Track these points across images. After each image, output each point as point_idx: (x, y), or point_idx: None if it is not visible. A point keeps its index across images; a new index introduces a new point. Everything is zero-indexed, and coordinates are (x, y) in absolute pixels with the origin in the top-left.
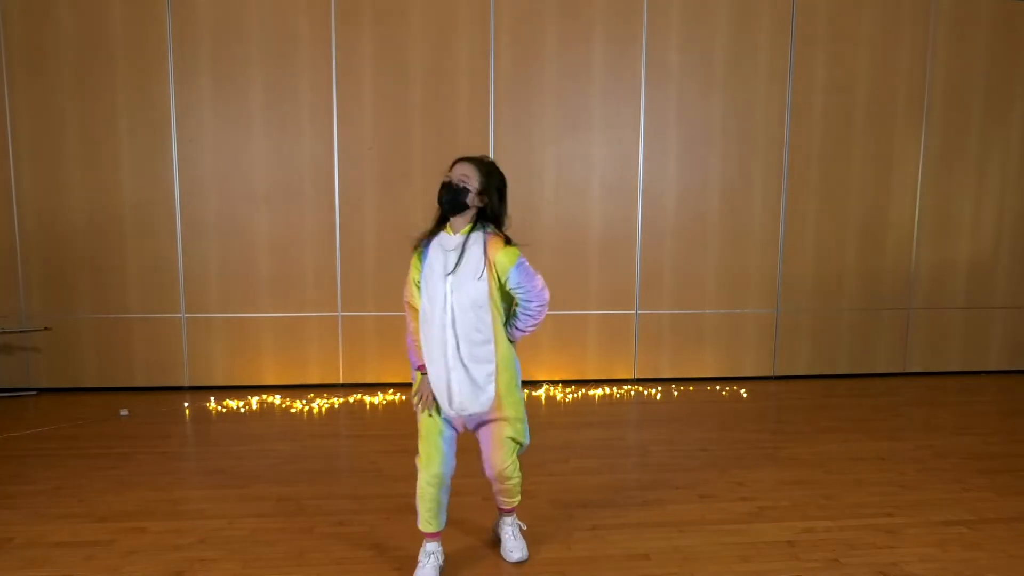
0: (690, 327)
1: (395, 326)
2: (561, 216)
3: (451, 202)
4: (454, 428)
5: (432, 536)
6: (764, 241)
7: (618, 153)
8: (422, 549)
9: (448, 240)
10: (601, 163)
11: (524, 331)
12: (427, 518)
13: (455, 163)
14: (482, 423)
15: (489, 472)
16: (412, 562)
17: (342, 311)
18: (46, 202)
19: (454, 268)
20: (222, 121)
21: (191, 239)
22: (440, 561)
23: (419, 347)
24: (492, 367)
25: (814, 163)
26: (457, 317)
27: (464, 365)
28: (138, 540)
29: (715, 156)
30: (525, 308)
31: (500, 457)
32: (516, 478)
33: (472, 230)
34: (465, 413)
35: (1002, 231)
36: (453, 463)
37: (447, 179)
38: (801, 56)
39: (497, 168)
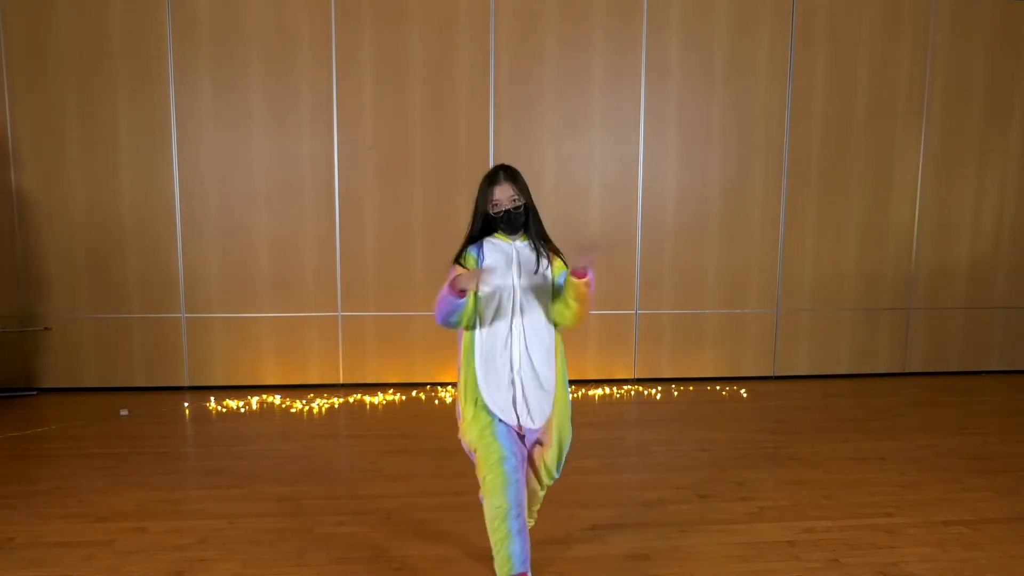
0: (690, 327)
1: (395, 326)
2: (561, 216)
3: (520, 225)
4: (516, 453)
5: None
6: (764, 241)
7: (618, 153)
8: None
9: (508, 246)
10: (601, 163)
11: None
12: (504, 557)
13: (492, 187)
14: (533, 444)
15: (536, 485)
16: (412, 562)
17: (342, 311)
18: (46, 202)
19: (536, 269)
20: (222, 121)
21: (191, 239)
22: None
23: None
24: (553, 371)
25: (814, 163)
26: (526, 318)
27: (533, 371)
28: (138, 540)
29: (715, 156)
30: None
31: (552, 469)
32: (541, 498)
33: (528, 236)
34: (533, 426)
35: (1002, 231)
36: (523, 491)
37: (501, 209)
38: (801, 56)
39: (517, 170)
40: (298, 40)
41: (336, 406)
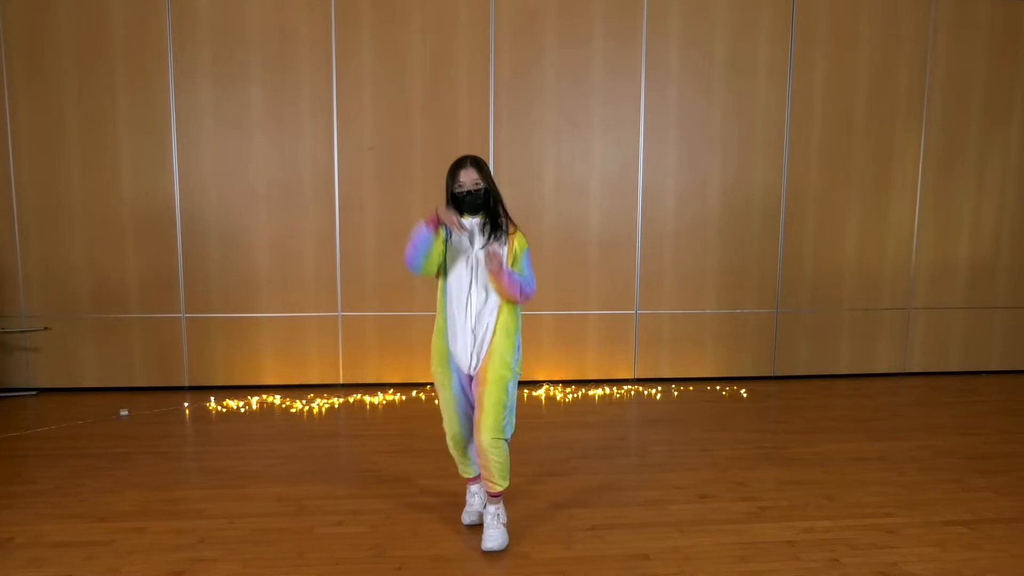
0: (690, 327)
1: (395, 326)
2: (561, 216)
3: (479, 206)
4: (468, 398)
5: (472, 480)
6: (764, 241)
7: (618, 153)
8: (467, 490)
9: (469, 222)
10: (601, 163)
11: (512, 288)
12: (461, 469)
13: (459, 171)
14: (478, 389)
15: (476, 441)
16: (412, 562)
17: (342, 311)
18: (46, 202)
19: (486, 243)
20: (222, 121)
21: (191, 239)
22: (484, 497)
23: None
24: (493, 325)
25: (814, 163)
26: (480, 281)
27: (480, 325)
28: (138, 540)
29: (715, 156)
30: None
31: (486, 425)
32: (499, 460)
33: (487, 215)
34: (472, 372)
35: (1002, 231)
36: (470, 427)
37: (464, 189)
38: (801, 56)
39: (484, 160)
40: (298, 40)
41: (336, 406)
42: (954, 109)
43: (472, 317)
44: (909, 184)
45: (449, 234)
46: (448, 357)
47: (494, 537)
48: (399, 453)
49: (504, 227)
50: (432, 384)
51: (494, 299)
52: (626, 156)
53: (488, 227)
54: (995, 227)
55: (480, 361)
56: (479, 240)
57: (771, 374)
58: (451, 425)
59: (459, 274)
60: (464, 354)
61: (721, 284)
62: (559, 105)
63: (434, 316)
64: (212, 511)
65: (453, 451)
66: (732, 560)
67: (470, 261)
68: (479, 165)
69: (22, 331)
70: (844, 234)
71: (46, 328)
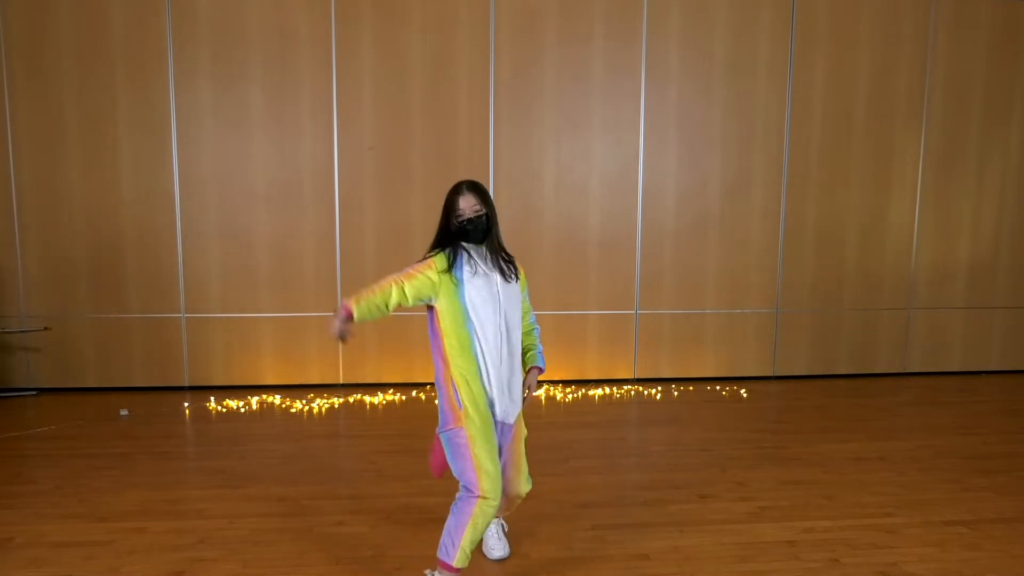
0: (690, 327)
1: (395, 326)
2: (561, 216)
3: (482, 233)
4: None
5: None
6: (764, 241)
7: (618, 153)
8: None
9: (479, 251)
10: (601, 163)
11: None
12: (468, 552)
13: (459, 196)
14: (504, 442)
15: (511, 496)
16: (412, 562)
17: None
18: (46, 202)
19: (515, 276)
20: (222, 121)
21: (191, 239)
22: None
23: (364, 301)
24: (519, 370)
25: (814, 163)
26: (509, 319)
27: (515, 368)
28: (138, 540)
29: (715, 156)
30: (532, 318)
31: (521, 482)
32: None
33: (489, 245)
34: (510, 421)
35: (1002, 231)
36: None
37: (464, 217)
38: (801, 56)
39: (481, 184)
40: (298, 40)
41: (336, 406)
42: (954, 109)
43: (507, 362)
44: (909, 184)
45: (453, 265)
46: (487, 403)
47: (501, 547)
48: (399, 453)
49: (513, 264)
50: (431, 384)
51: (519, 339)
52: (626, 156)
53: (499, 258)
54: (995, 227)
55: (518, 408)
56: (490, 271)
57: (771, 374)
58: (496, 487)
59: (490, 318)
60: (504, 400)
61: (721, 284)
62: (559, 105)
63: None
64: (212, 511)
65: (484, 527)
66: (732, 560)
67: (497, 299)
68: (477, 189)
69: (22, 331)
70: (844, 234)
71: (46, 328)
